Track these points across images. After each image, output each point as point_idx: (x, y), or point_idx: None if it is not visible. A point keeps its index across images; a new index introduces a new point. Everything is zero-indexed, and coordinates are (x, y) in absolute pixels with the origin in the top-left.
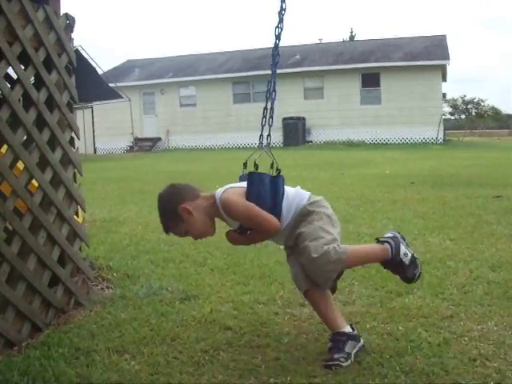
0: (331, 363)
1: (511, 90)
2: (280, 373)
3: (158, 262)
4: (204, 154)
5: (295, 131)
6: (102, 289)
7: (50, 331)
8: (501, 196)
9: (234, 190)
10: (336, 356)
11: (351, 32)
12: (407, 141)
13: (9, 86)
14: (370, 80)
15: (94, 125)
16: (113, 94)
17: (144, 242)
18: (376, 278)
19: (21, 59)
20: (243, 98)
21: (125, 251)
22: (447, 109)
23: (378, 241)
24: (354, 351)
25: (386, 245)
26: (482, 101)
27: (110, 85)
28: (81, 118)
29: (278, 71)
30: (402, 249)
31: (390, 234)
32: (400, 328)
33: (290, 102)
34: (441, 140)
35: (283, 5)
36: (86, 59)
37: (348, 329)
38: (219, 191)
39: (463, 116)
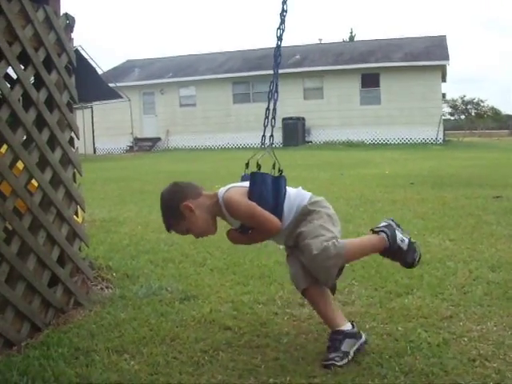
0: (327, 363)
1: (511, 90)
2: (279, 373)
3: (157, 262)
4: (204, 154)
5: (295, 131)
6: (102, 289)
7: (49, 331)
8: (500, 196)
9: (236, 189)
10: (331, 355)
11: (351, 32)
12: (407, 141)
13: (8, 85)
14: (370, 80)
15: (93, 125)
16: (112, 94)
17: (144, 241)
18: (375, 278)
19: (21, 59)
20: (243, 98)
21: (124, 251)
22: (447, 109)
23: (373, 231)
24: (354, 349)
25: (383, 234)
26: (482, 101)
27: (110, 85)
28: (80, 118)
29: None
30: (398, 235)
31: (384, 223)
32: (399, 328)
33: (289, 102)
34: (440, 140)
35: (284, 6)
36: (86, 59)
37: (347, 327)
38: (222, 190)
39: (463, 116)
